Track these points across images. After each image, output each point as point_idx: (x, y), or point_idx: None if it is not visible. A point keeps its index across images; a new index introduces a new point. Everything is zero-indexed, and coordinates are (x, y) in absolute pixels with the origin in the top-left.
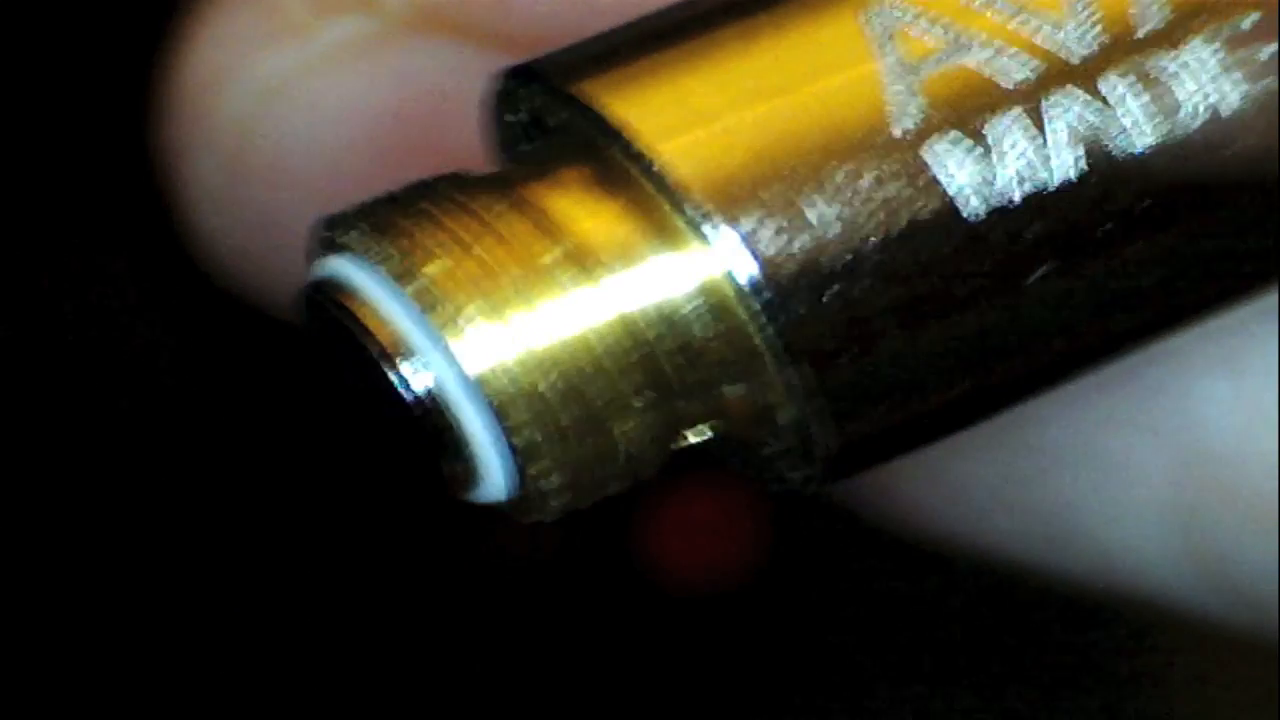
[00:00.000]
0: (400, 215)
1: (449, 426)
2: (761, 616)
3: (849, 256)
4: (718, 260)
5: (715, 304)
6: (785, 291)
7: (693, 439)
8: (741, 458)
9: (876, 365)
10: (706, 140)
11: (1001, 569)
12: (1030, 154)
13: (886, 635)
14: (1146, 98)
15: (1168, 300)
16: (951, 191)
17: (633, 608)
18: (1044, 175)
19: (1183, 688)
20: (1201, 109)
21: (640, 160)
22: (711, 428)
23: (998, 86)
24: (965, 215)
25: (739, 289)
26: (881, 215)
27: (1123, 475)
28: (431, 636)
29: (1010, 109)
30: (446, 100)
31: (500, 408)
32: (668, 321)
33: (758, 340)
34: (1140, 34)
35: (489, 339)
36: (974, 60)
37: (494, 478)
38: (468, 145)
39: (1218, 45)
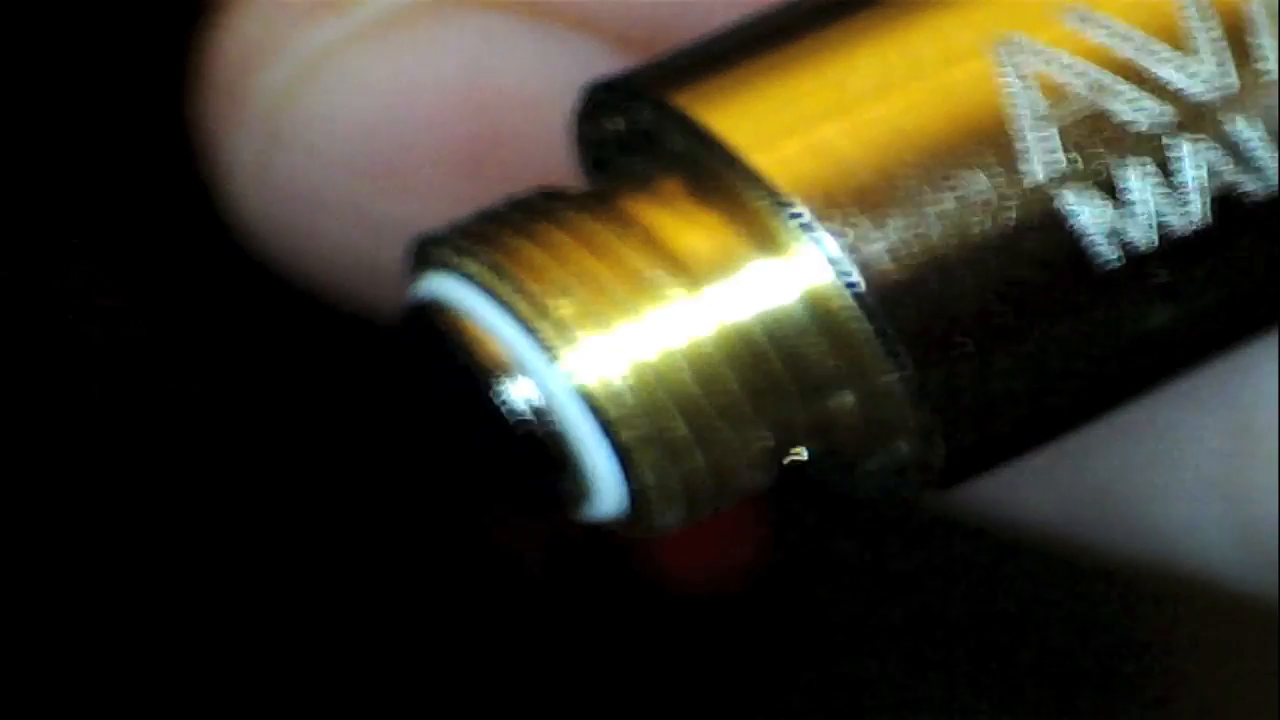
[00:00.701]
0: (501, 232)
1: (561, 443)
2: (761, 616)
3: (956, 270)
4: (822, 267)
5: (821, 312)
6: (890, 300)
7: (803, 452)
8: (844, 472)
9: (981, 378)
10: (808, 147)
11: (1047, 542)
12: (1161, 201)
13: (886, 635)
14: (1274, 143)
15: (1264, 318)
16: (1078, 232)
17: (633, 608)
18: (1174, 221)
19: (1187, 657)
20: None
21: (740, 170)
22: (819, 441)
23: (1131, 131)
24: (1089, 256)
25: (844, 293)
26: (996, 234)
27: (1172, 450)
28: (431, 636)
29: (1143, 155)
30: (485, 73)
31: (610, 423)
32: (773, 331)
33: (864, 349)
34: (1267, 76)
35: (597, 353)
36: (1109, 104)
37: (606, 493)
38: (507, 118)
39: None
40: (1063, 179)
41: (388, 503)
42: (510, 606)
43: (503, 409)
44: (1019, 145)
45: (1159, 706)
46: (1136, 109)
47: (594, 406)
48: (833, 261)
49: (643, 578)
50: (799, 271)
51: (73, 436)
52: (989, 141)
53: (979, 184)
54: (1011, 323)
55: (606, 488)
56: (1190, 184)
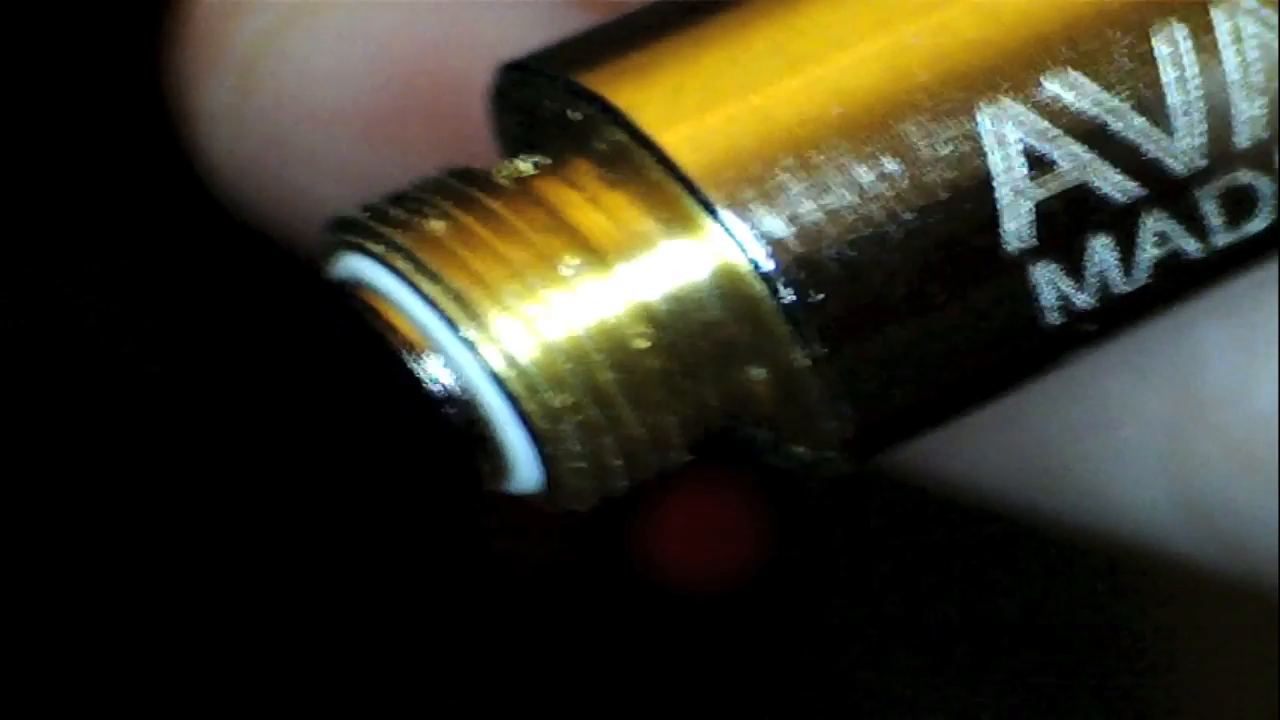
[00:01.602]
0: (412, 214)
1: (476, 420)
2: (761, 616)
3: (867, 254)
4: (730, 244)
5: (730, 288)
6: (797, 274)
7: (721, 425)
8: (768, 445)
9: (889, 350)
10: (714, 124)
11: (995, 507)
12: (1113, 270)
13: (886, 635)
14: (1228, 214)
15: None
16: (1031, 297)
17: (633, 608)
18: (1118, 287)
19: (1184, 647)
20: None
21: (648, 147)
22: (738, 414)
23: (1105, 208)
24: (1031, 314)
25: (752, 272)
26: (899, 208)
27: (1117, 419)
28: (432, 637)
29: (1111, 230)
30: (461, 29)
31: (522, 401)
32: (684, 307)
33: (772, 326)
34: (1237, 149)
35: (507, 333)
36: (1086, 176)
37: (523, 469)
38: (477, 79)
39: None
40: (1031, 252)
41: (388, 502)
42: (510, 606)
43: (422, 386)
44: (995, 209)
45: (1158, 705)
46: (1115, 187)
47: (505, 387)
48: (738, 240)
49: (643, 578)
50: (707, 250)
51: (71, 436)
52: (888, 108)
53: (887, 156)
54: (915, 291)
55: (522, 464)
56: (1145, 254)
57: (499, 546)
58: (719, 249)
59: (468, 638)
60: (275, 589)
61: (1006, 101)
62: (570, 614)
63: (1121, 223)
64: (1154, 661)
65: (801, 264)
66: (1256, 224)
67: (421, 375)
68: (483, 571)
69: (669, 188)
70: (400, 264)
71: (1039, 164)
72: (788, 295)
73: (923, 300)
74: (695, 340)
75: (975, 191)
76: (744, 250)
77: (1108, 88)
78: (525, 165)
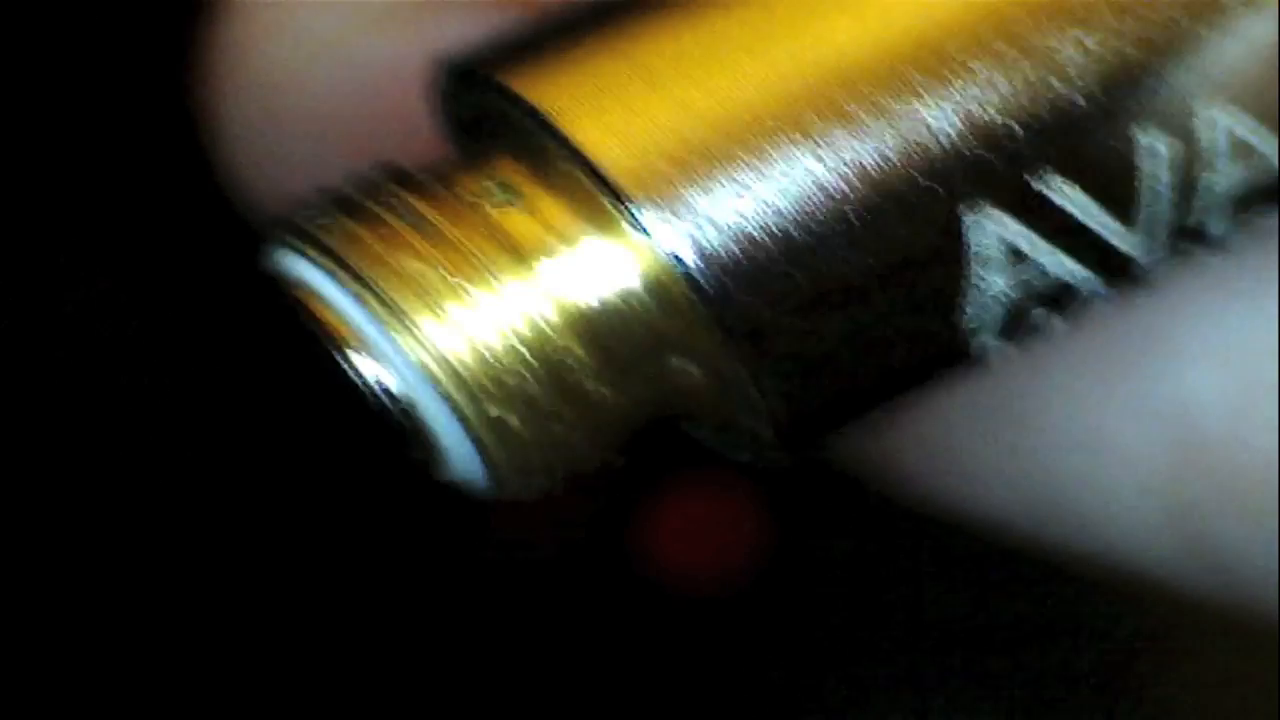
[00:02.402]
0: (342, 213)
1: (407, 414)
2: (761, 616)
3: (781, 239)
4: (650, 242)
5: (653, 284)
6: (716, 270)
7: (659, 418)
8: (711, 434)
9: (813, 343)
10: (635, 124)
11: (999, 538)
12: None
13: (886, 636)
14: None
15: None
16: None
17: (633, 608)
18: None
19: (1186, 681)
20: None
21: (568, 148)
22: (673, 407)
23: (1060, 293)
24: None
25: (672, 269)
26: (815, 209)
27: (1116, 456)
28: (432, 637)
29: (1059, 309)
30: (431, 39)
31: (450, 397)
32: (608, 305)
33: (699, 319)
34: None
35: (431, 332)
36: (1052, 270)
37: (459, 461)
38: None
39: None
40: (982, 329)
41: (388, 501)
42: (511, 606)
43: (354, 382)
44: (962, 301)
45: (1157, 704)
46: (1076, 278)
47: (433, 384)
48: (658, 240)
49: (643, 578)
50: (630, 249)
51: (70, 435)
52: (806, 109)
53: (801, 155)
54: (834, 285)
55: (457, 457)
56: (1076, 314)
57: (499, 547)
58: (642, 248)
59: (467, 638)
60: (274, 587)
61: (946, 93)
62: (570, 614)
63: (1072, 303)
64: (1149, 678)
65: (721, 262)
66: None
67: (351, 371)
68: (482, 571)
69: (591, 188)
70: (328, 263)
71: (980, 166)
72: (710, 293)
73: (844, 296)
74: (622, 337)
75: (900, 187)
76: (664, 250)
77: (1086, 186)
78: (494, 190)
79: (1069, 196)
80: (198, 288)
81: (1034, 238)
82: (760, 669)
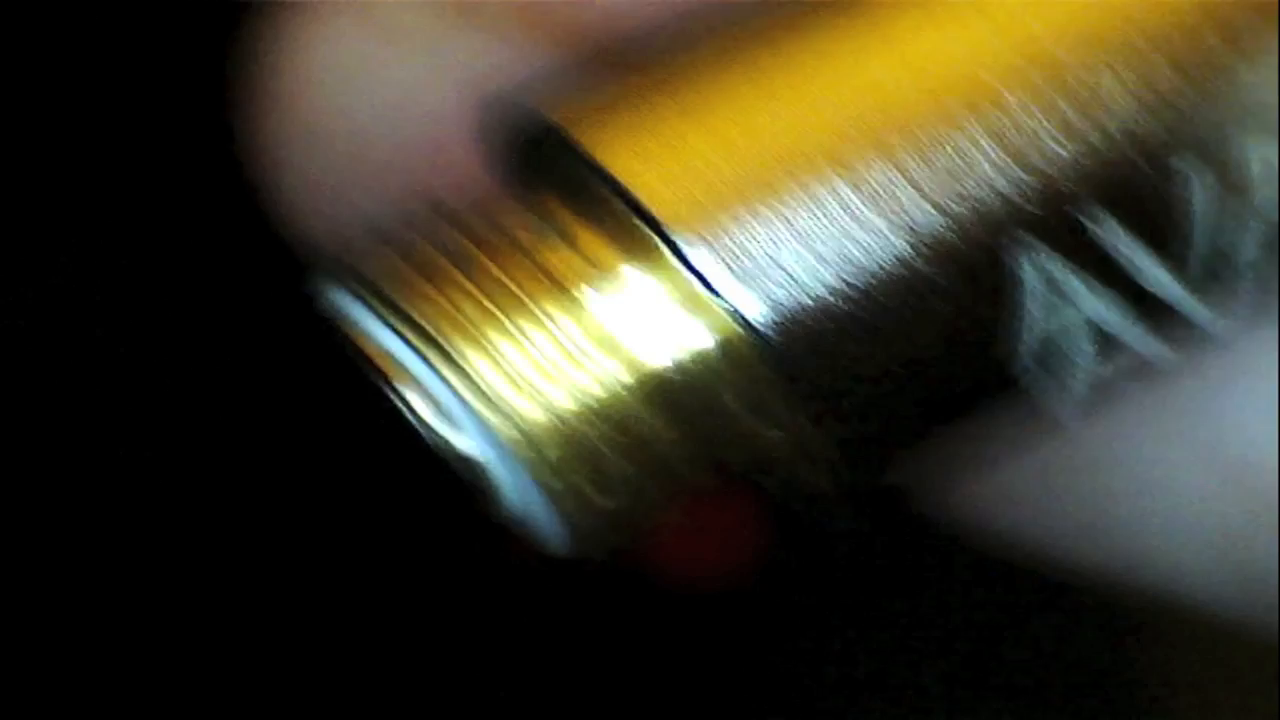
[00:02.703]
0: (392, 251)
1: (458, 450)
2: (761, 615)
3: (822, 271)
4: (691, 276)
5: (699, 318)
6: (762, 303)
7: (722, 468)
8: (774, 486)
9: (858, 367)
10: (677, 160)
11: (1053, 570)
12: (1088, 374)
13: (887, 636)
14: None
15: None
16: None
17: (633, 607)
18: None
19: (1187, 682)
20: None
21: (611, 185)
22: (743, 465)
23: (1102, 339)
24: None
25: (716, 303)
26: (858, 246)
27: (1176, 499)
28: (431, 637)
29: (1101, 355)
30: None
31: (498, 433)
32: (652, 338)
33: (745, 354)
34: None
35: (480, 369)
36: (1095, 305)
37: (512, 496)
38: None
39: None
40: (1031, 366)
41: (387, 501)
42: (510, 606)
43: (399, 418)
44: (1011, 334)
45: (1157, 705)
46: (1119, 327)
47: (483, 420)
48: (697, 269)
49: (643, 577)
50: (672, 282)
51: (68, 435)
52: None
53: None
54: (877, 336)
55: (510, 492)
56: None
57: (499, 547)
58: (684, 282)
59: (467, 638)
60: (277, 586)
61: (991, 128)
62: (569, 614)
63: (1115, 348)
64: (1149, 679)
65: (765, 296)
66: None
67: (400, 406)
68: (482, 571)
69: (633, 224)
70: (378, 303)
71: (1027, 201)
72: (754, 324)
73: (890, 333)
74: (665, 368)
75: (946, 225)
76: (707, 284)
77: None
78: (541, 227)
79: (1112, 230)
80: (201, 292)
81: (1078, 272)
82: (760, 669)
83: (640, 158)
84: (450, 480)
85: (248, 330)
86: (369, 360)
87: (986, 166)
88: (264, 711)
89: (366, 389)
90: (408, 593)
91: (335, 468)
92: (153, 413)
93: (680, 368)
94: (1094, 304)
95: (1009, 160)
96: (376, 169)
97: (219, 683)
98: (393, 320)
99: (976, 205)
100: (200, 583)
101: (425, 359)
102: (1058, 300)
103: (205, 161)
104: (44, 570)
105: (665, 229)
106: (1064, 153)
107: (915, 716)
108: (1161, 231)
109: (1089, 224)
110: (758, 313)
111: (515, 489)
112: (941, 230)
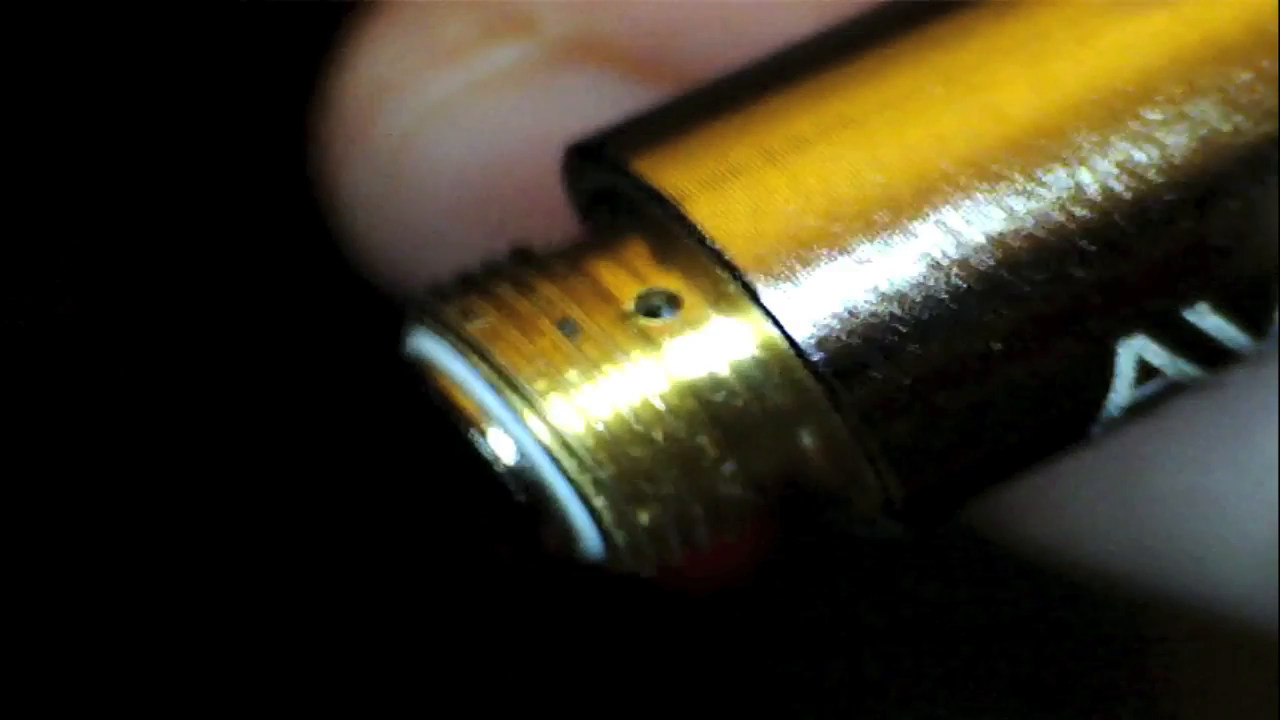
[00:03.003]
0: (473, 295)
1: (538, 494)
2: (761, 615)
3: (900, 323)
4: (768, 322)
5: (776, 363)
6: (838, 353)
7: (781, 489)
8: (833, 510)
9: (933, 419)
10: (753, 204)
11: (1107, 589)
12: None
13: (887, 636)
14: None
15: None
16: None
17: (633, 607)
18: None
19: (1188, 684)
20: None
21: (688, 227)
22: (794, 479)
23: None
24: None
25: (790, 350)
26: (941, 292)
27: (1220, 514)
28: (432, 637)
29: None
30: (564, 123)
31: (575, 478)
32: (731, 383)
33: (817, 396)
34: None
35: (559, 414)
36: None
37: (585, 539)
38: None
39: None
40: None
41: (387, 504)
42: (511, 606)
43: (485, 461)
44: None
45: (1157, 706)
46: (1171, 368)
47: (558, 464)
48: (778, 321)
49: (641, 578)
50: (750, 328)
51: (68, 435)
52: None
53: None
54: (953, 365)
55: (583, 534)
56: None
57: (497, 546)
58: (761, 327)
59: (467, 638)
60: (274, 590)
61: (1050, 179)
62: (569, 614)
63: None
64: (1150, 681)
65: (842, 344)
66: None
67: (482, 450)
68: (482, 572)
69: (712, 268)
70: (458, 345)
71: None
72: (828, 373)
73: (962, 380)
74: (743, 413)
75: (1015, 274)
76: (784, 331)
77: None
78: (623, 273)
79: (1204, 313)
80: (203, 291)
81: (1168, 350)
82: (760, 668)
83: (718, 202)
84: (494, 496)
85: (248, 330)
86: (446, 400)
87: (1054, 214)
88: (264, 711)
89: (443, 428)
90: (408, 593)
91: (335, 468)
92: (152, 414)
93: (731, 387)
94: (1154, 358)
95: (1081, 207)
96: (458, 207)
97: (219, 682)
98: (473, 362)
99: (1045, 254)
100: (201, 583)
101: (502, 398)
102: (1136, 376)
103: (206, 161)
104: (44, 570)
105: (744, 275)
106: (1138, 194)
107: (916, 715)
108: (1252, 314)
109: (1191, 314)
110: (810, 333)
111: (575, 516)
112: (1007, 270)
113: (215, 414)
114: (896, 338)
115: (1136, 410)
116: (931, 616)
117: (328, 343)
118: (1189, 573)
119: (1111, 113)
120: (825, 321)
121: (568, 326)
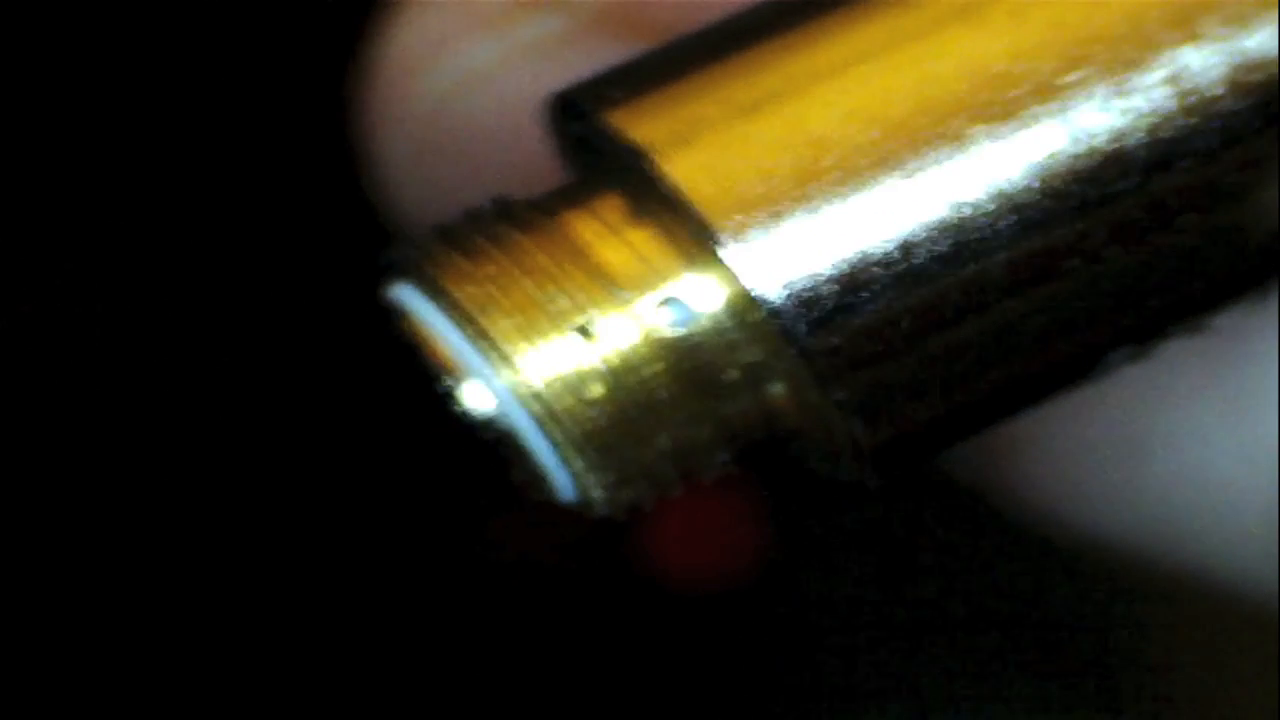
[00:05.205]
0: (450, 246)
1: (510, 441)
2: (761, 616)
3: (866, 269)
4: (736, 276)
5: (742, 316)
6: (803, 303)
7: (753, 438)
8: (806, 455)
9: (898, 370)
10: (722, 157)
11: (1110, 563)
12: None
13: (887, 634)
14: None
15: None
16: None
17: (633, 607)
18: None
19: (1188, 676)
20: None
21: (659, 181)
22: (765, 429)
23: None
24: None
25: (759, 303)
26: (900, 243)
27: (1221, 490)
28: (433, 637)
29: None
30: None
31: (544, 425)
32: (702, 335)
33: (785, 348)
34: None
35: (529, 363)
36: None
37: (556, 482)
38: None
39: None
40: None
41: (388, 502)
42: (511, 606)
43: (458, 406)
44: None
45: (1156, 701)
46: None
47: (530, 412)
48: (744, 275)
49: (643, 578)
50: (719, 283)
51: (68, 435)
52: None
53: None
54: (918, 309)
55: (554, 478)
56: None
57: (500, 547)
58: (731, 280)
59: (468, 638)
60: (274, 589)
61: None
62: (570, 614)
63: None
64: (1152, 673)
65: (807, 297)
66: None
67: (456, 397)
68: (483, 572)
69: (682, 221)
70: (434, 294)
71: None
72: (793, 326)
73: (926, 328)
74: (713, 364)
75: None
76: (750, 285)
77: None
78: (595, 224)
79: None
80: (205, 287)
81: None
82: (759, 668)
83: (687, 155)
84: (478, 454)
85: (247, 331)
86: (422, 347)
87: (1039, 185)
88: (264, 711)
89: (420, 375)
90: (408, 593)
91: (335, 468)
92: (152, 413)
93: (700, 338)
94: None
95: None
96: (484, 166)
97: (219, 682)
98: (445, 310)
99: (1009, 199)
100: (199, 583)
101: (474, 346)
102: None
103: (206, 162)
104: (44, 570)
105: (710, 228)
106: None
107: (916, 714)
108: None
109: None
110: (776, 287)
111: (546, 462)
112: (969, 220)
113: (215, 414)
114: (862, 290)
115: (1106, 369)
116: (931, 616)
117: (327, 343)
118: (1189, 545)
119: (1084, 57)
120: (791, 274)
121: (541, 280)
